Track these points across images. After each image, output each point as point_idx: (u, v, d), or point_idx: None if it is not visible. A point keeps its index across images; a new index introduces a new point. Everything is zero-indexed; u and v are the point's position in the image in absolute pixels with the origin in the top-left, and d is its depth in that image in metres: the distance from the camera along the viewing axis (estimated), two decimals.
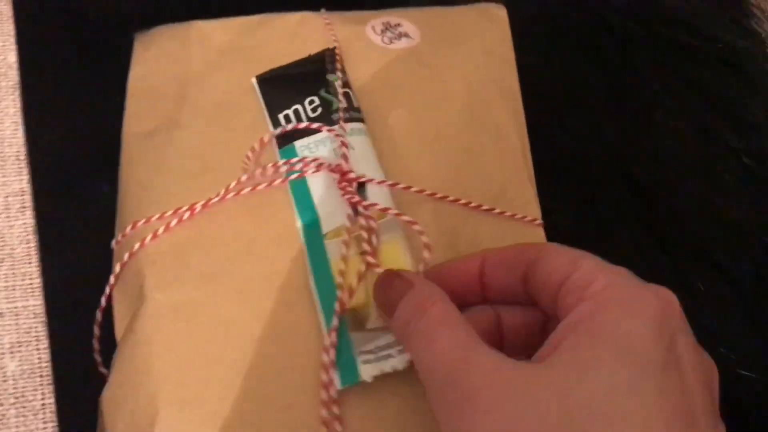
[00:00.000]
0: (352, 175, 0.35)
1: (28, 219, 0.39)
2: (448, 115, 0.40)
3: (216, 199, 0.36)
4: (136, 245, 0.35)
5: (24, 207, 0.40)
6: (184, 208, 0.36)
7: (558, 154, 0.44)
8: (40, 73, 0.44)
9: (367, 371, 0.31)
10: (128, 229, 0.36)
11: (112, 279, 0.35)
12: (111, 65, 0.42)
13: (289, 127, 0.37)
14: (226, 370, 0.32)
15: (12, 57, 0.43)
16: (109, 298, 0.36)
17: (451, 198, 0.36)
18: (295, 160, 0.36)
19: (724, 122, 0.47)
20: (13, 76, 0.43)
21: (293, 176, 0.35)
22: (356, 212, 0.34)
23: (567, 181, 0.44)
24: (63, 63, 0.45)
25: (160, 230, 0.35)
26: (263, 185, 0.35)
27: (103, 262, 0.37)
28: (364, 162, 0.36)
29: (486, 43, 0.44)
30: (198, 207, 0.36)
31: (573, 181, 0.44)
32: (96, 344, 0.35)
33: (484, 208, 0.37)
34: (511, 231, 0.37)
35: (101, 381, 0.33)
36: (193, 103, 0.40)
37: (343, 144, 0.35)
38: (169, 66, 0.42)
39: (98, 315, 0.35)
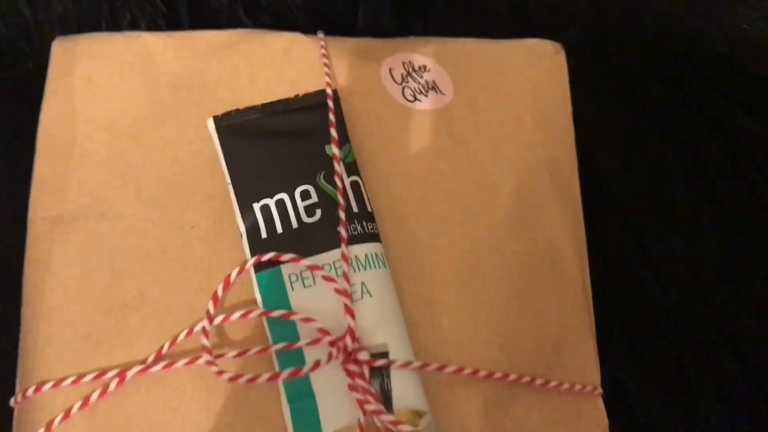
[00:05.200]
0: (362, 356, 0.24)
1: None
2: (492, 228, 0.29)
3: (158, 366, 0.24)
4: (41, 430, 0.24)
5: None
6: (111, 374, 0.24)
7: (635, 296, 0.33)
8: None
9: None
10: (31, 391, 0.24)
11: None
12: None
13: (267, 256, 0.25)
14: None
15: None
16: None
17: (497, 375, 0.26)
18: (277, 314, 0.24)
19: None
20: None
21: (284, 373, 0.23)
22: (372, 421, 0.23)
23: (646, 338, 0.33)
24: None
25: (75, 407, 0.24)
26: (232, 375, 0.23)
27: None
28: (384, 319, 0.25)
29: (539, 105, 0.32)
30: (130, 373, 0.24)
31: (655, 338, 0.33)
32: None
33: (538, 382, 0.27)
34: (566, 410, 0.28)
35: None
36: (131, 176, 0.28)
37: (348, 310, 0.24)
38: (98, 105, 0.29)
39: None
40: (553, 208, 0.30)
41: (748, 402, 0.32)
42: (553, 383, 0.27)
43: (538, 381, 0.27)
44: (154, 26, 0.34)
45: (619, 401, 0.29)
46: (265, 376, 0.23)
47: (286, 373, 0.23)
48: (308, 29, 0.31)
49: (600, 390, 0.29)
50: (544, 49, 0.34)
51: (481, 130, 0.31)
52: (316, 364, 0.23)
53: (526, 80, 0.33)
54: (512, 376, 0.26)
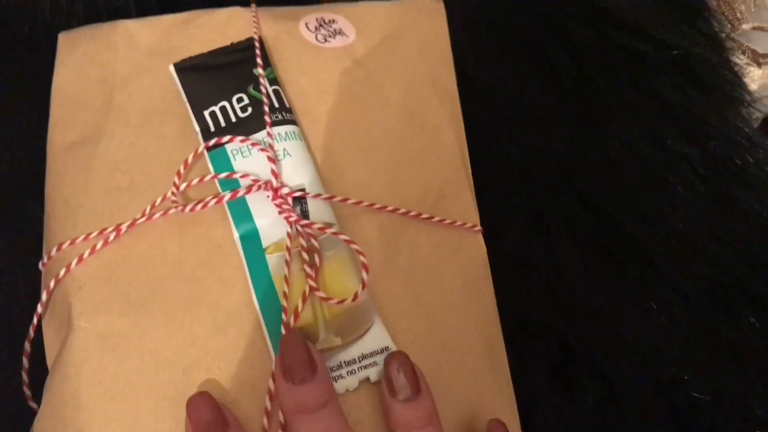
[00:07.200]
0: (285, 191, 0.34)
1: None
2: (385, 119, 0.39)
3: (142, 219, 0.34)
4: (62, 271, 0.34)
5: None
6: (110, 229, 0.34)
7: (505, 165, 0.43)
8: None
9: None
10: (54, 251, 0.34)
11: (39, 307, 0.34)
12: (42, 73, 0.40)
13: (212, 141, 0.35)
14: (157, 402, 0.31)
15: None
16: (39, 328, 0.34)
17: (389, 208, 0.36)
18: (223, 175, 0.34)
19: (678, 130, 0.45)
20: None
21: (227, 195, 0.33)
22: (296, 230, 0.33)
23: (514, 194, 0.42)
24: None
25: (86, 253, 0.34)
26: (192, 204, 0.34)
27: (37, 289, 0.35)
28: (301, 169, 0.35)
29: (422, 40, 0.43)
30: (124, 227, 0.34)
31: (520, 193, 0.43)
32: (25, 377, 0.34)
33: (423, 216, 0.36)
34: (450, 238, 0.37)
35: (32, 416, 0.32)
36: (120, 111, 0.38)
37: (271, 160, 0.34)
38: (95, 70, 0.40)
39: (27, 345, 0.34)
40: (434, 105, 0.41)
41: (590, 230, 0.41)
42: (437, 218, 0.37)
43: (425, 215, 0.36)
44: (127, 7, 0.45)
45: (493, 241, 0.38)
46: (213, 201, 0.33)
47: (228, 194, 0.33)
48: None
49: (480, 228, 0.38)
50: (426, 2, 0.45)
51: (376, 59, 0.42)
52: (249, 189, 0.33)
53: (412, 25, 0.44)
54: (402, 210, 0.36)
